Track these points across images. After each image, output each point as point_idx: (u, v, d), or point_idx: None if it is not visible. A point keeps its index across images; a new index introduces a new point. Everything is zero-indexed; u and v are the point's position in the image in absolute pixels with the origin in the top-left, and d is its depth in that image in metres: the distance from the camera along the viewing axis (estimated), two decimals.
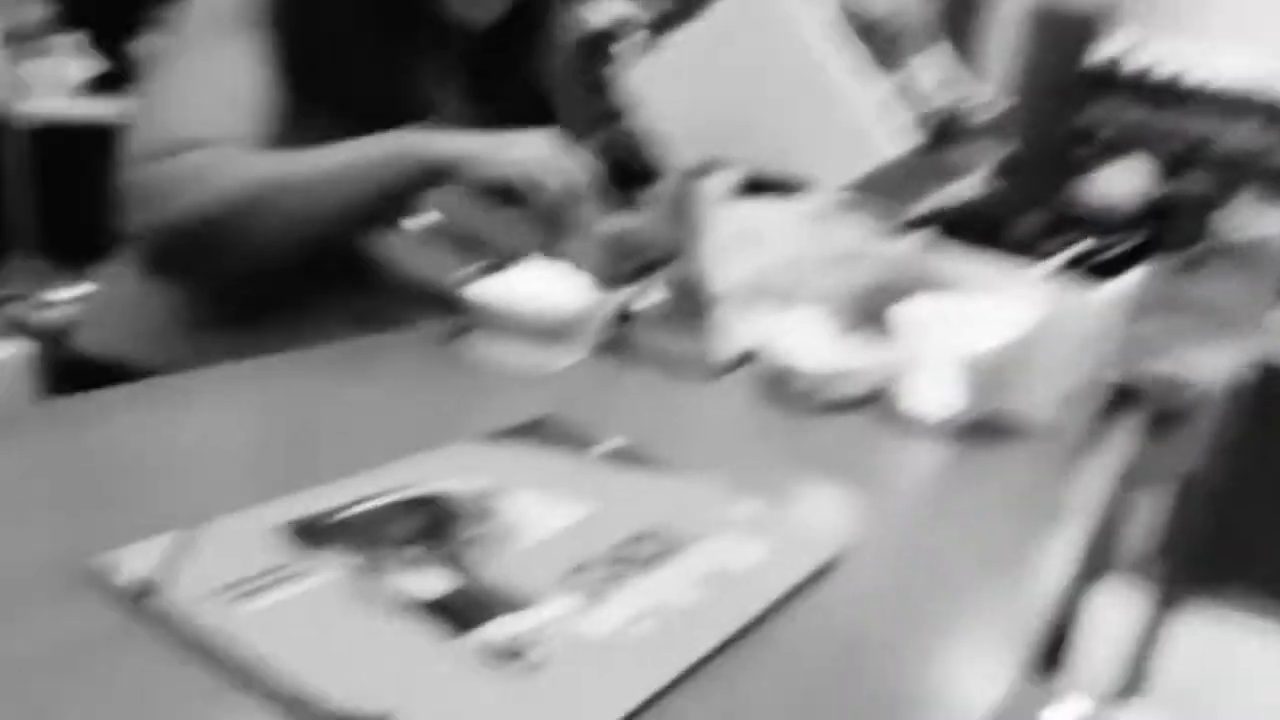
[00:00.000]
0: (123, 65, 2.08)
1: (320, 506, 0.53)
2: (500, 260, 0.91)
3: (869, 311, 1.03)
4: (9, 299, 1.88)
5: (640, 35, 2.49)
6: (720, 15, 1.44)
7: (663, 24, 2.52)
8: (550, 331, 0.86)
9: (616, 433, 0.71)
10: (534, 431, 0.69)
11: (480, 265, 0.90)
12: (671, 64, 1.51)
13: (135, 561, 0.46)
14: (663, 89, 1.50)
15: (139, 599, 0.44)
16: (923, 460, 0.83)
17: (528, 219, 0.93)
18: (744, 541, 0.59)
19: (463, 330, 0.88)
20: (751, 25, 1.39)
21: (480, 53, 1.09)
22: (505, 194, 0.91)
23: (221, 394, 0.70)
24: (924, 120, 1.51)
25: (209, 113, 0.89)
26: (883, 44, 1.49)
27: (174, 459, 0.59)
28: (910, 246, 1.03)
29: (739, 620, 0.51)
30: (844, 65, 1.37)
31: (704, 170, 1.19)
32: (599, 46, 2.60)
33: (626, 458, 0.68)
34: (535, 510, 0.58)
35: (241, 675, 0.40)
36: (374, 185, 0.90)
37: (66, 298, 1.83)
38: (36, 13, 1.92)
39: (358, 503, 0.55)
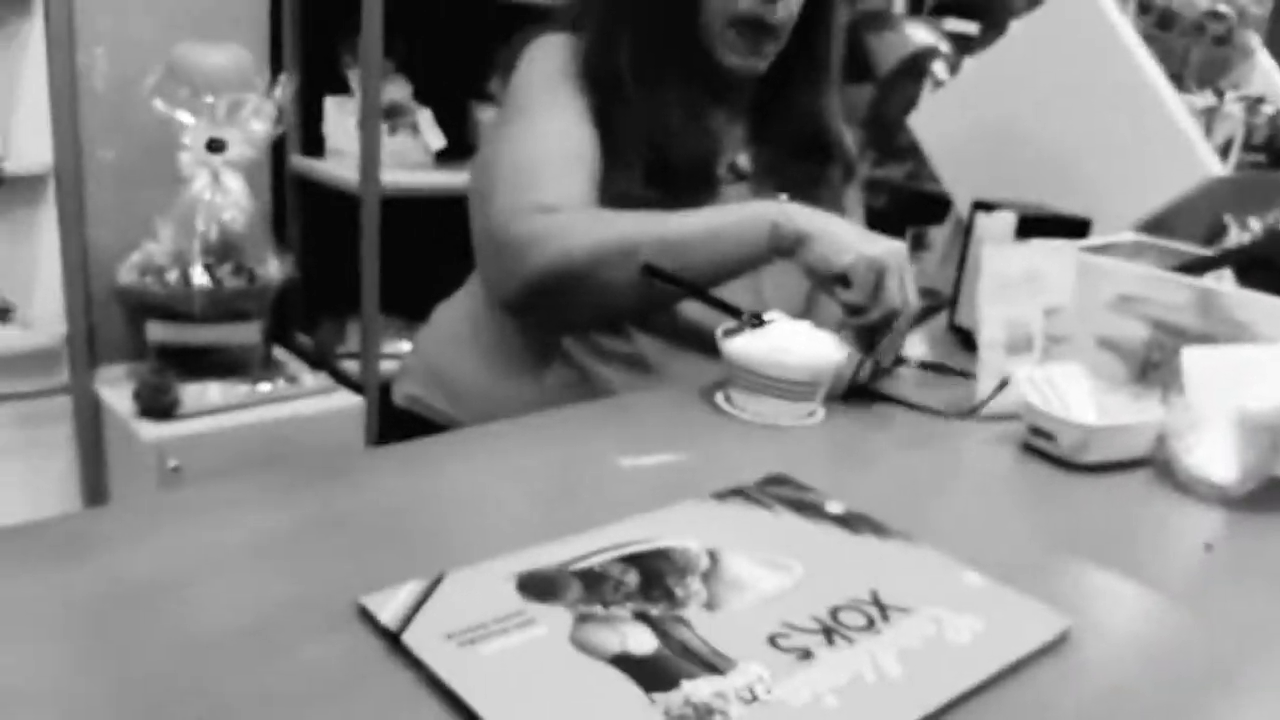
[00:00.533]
0: (461, 138, 2.38)
1: (554, 559, 0.60)
2: (757, 317, 0.94)
3: (1148, 361, 0.95)
4: (349, 355, 2.21)
5: (941, 64, 2.43)
6: (1025, 36, 1.39)
7: (966, 51, 2.44)
8: (800, 387, 0.89)
9: (856, 491, 0.72)
10: (767, 490, 0.72)
11: (738, 321, 0.95)
12: (959, 99, 1.48)
13: (393, 602, 0.55)
14: (948, 126, 1.47)
15: (390, 638, 0.52)
16: (1200, 530, 0.76)
17: (844, 316, 0.96)
18: (962, 614, 0.58)
19: (719, 384, 0.93)
20: (1062, 43, 1.32)
21: (761, 95, 1.15)
22: (836, 279, 0.94)
23: (496, 448, 0.80)
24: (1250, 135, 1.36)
25: (559, 173, 0.99)
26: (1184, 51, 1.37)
27: (445, 507, 0.69)
28: (1199, 290, 0.93)
29: (941, 698, 0.51)
30: (1163, 79, 1.28)
31: (983, 210, 1.16)
32: (899, 78, 2.57)
33: (856, 521, 0.69)
34: (753, 571, 0.61)
35: (467, 715, 0.47)
36: (733, 249, 0.96)
37: (393, 354, 2.12)
38: (402, 91, 2.25)
39: (587, 556, 0.61)
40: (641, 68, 1.03)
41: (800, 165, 1.14)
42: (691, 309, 1.05)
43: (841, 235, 0.93)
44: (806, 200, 1.07)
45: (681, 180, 1.02)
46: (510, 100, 1.08)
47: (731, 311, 0.95)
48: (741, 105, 1.15)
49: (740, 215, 0.96)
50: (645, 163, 1.02)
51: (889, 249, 0.92)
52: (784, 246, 0.94)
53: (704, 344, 1.01)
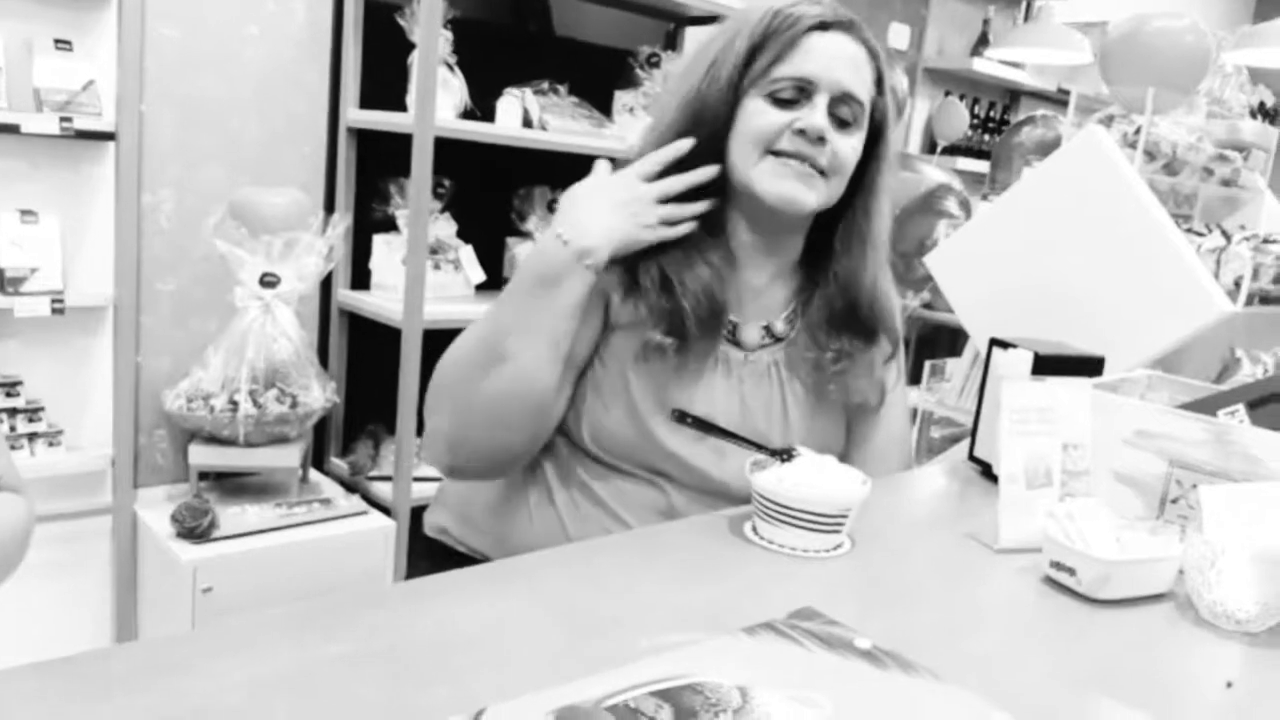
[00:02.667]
0: (498, 271, 2.49)
1: (590, 695, 0.63)
2: (786, 451, 0.98)
3: (1166, 496, 0.97)
4: (382, 478, 2.26)
5: (953, 201, 2.53)
6: (1036, 182, 1.46)
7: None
8: (827, 520, 0.92)
9: (883, 624, 0.74)
10: (795, 625, 0.75)
11: (763, 456, 0.99)
12: (974, 240, 1.54)
13: None
14: (964, 265, 1.53)
15: None
16: (1221, 666, 0.77)
17: None
18: None
19: (747, 516, 0.96)
20: (1072, 189, 1.39)
21: (808, 262, 1.17)
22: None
23: (529, 580, 0.83)
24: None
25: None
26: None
27: (481, 640, 0.71)
28: (1213, 426, 0.97)
29: None
30: (1170, 223, 1.33)
31: (1001, 347, 1.20)
32: (915, 213, 2.67)
33: (884, 658, 0.71)
34: (783, 708, 0.63)
35: None
36: (545, 277, 1.03)
37: (426, 477, 2.17)
38: (446, 229, 2.36)
39: (621, 692, 0.63)
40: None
41: (841, 339, 1.14)
42: (723, 469, 1.07)
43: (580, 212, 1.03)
44: (845, 373, 1.12)
45: (696, 333, 1.04)
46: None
47: (759, 447, 1.00)
48: (784, 269, 1.16)
49: (545, 275, 1.02)
50: (664, 311, 1.04)
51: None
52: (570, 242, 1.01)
53: (732, 499, 1.05)
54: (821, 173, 1.06)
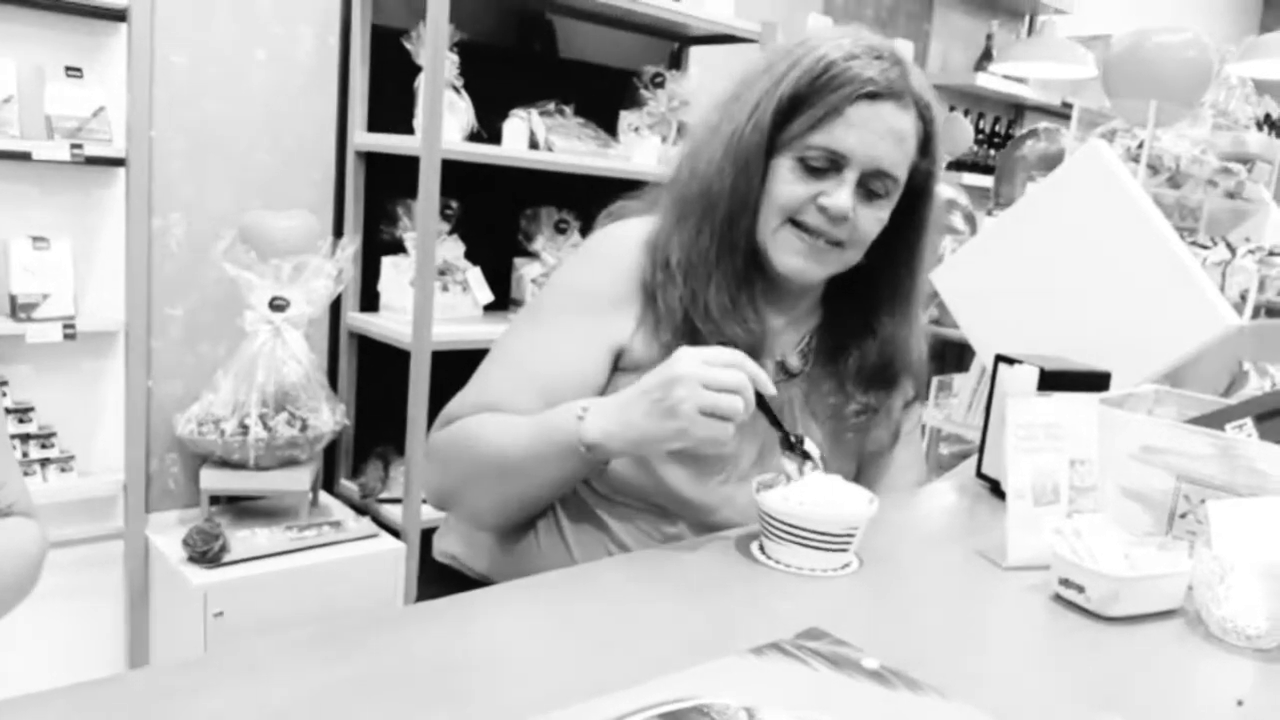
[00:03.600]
0: (505, 292, 2.50)
1: (595, 717, 0.63)
2: (795, 438, 0.99)
3: (1174, 512, 0.97)
4: (391, 500, 2.26)
5: (958, 216, 2.53)
6: (1040, 198, 1.46)
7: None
8: (834, 539, 0.92)
9: (892, 642, 0.74)
10: (801, 645, 0.75)
11: (771, 475, 0.99)
12: (979, 256, 1.54)
13: None
14: (969, 281, 1.53)
15: None
16: (1232, 683, 0.77)
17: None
18: None
19: (754, 536, 0.97)
20: (1076, 204, 1.39)
21: (834, 306, 1.16)
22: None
23: (537, 603, 0.83)
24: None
25: (512, 389, 1.04)
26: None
27: (490, 663, 0.72)
28: (1220, 442, 0.96)
29: None
30: (1175, 237, 1.33)
31: (1006, 363, 1.20)
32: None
33: (891, 678, 0.71)
34: None
35: None
36: (555, 472, 1.00)
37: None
38: (454, 251, 2.37)
39: (629, 715, 0.63)
40: (691, 263, 1.04)
41: (869, 394, 1.13)
42: (734, 508, 1.06)
43: (640, 423, 0.92)
44: (866, 425, 1.12)
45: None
46: (541, 295, 1.14)
47: (779, 427, 0.99)
48: (803, 310, 1.15)
49: (554, 442, 0.96)
50: (683, 344, 1.02)
51: (668, 383, 0.90)
52: (601, 459, 0.97)
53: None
54: (840, 243, 1.04)
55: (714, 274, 1.04)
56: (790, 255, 1.05)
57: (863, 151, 1.00)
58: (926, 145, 1.06)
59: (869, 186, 1.03)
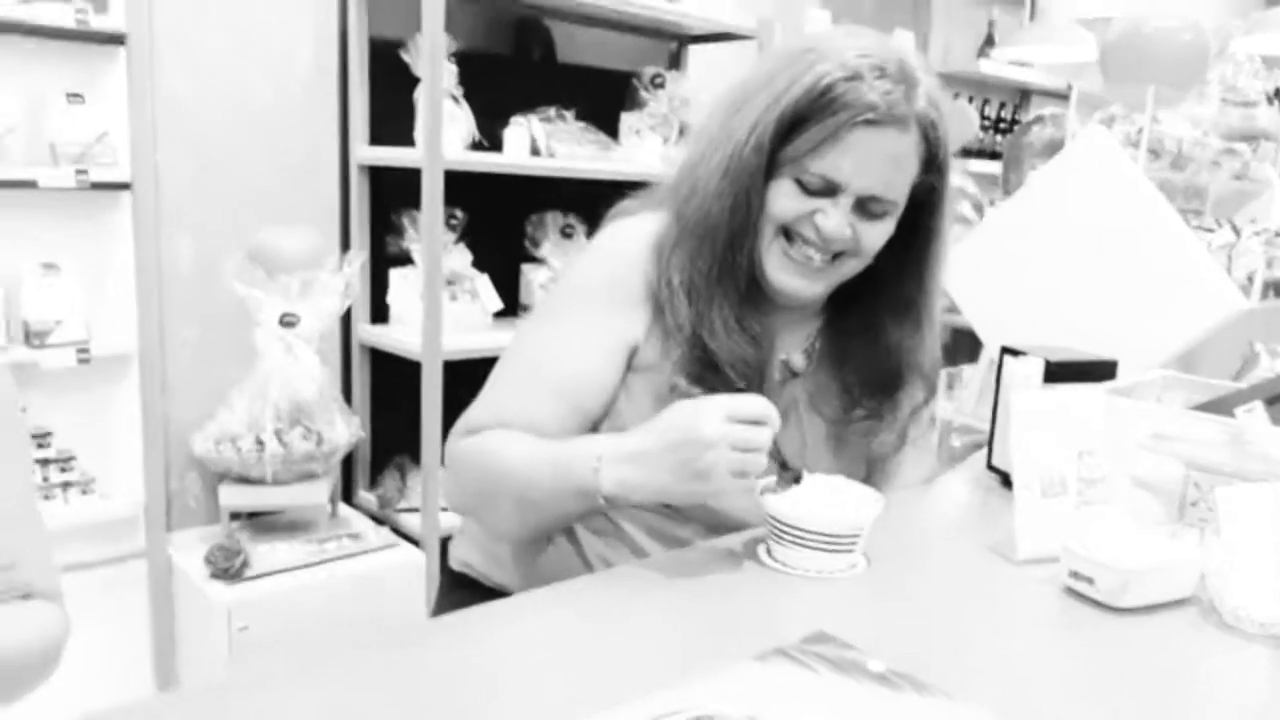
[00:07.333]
0: (514, 298, 2.51)
1: None
2: (795, 474, 0.98)
3: (1185, 501, 0.97)
4: (409, 509, 2.27)
5: (966, 204, 2.52)
6: (1042, 186, 1.46)
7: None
8: (841, 541, 0.92)
9: (899, 643, 0.74)
10: (808, 650, 0.75)
11: (776, 479, 0.99)
12: (983, 246, 1.54)
13: None
14: (974, 271, 1.53)
15: None
16: (1246, 671, 0.76)
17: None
18: None
19: (760, 539, 0.97)
20: (1078, 190, 1.38)
21: (841, 313, 1.14)
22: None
23: (548, 613, 0.84)
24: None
25: (529, 394, 1.04)
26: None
27: (503, 675, 0.72)
28: (1229, 428, 0.96)
29: None
30: (1178, 220, 1.33)
31: (1011, 355, 1.19)
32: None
33: (898, 680, 0.71)
34: None
35: None
36: (573, 507, 0.99)
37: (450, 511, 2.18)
38: (461, 260, 2.38)
39: None
40: (694, 284, 1.04)
41: (875, 400, 1.13)
42: (748, 511, 1.04)
43: (666, 482, 0.90)
44: (871, 430, 1.12)
45: (725, 376, 1.03)
46: (551, 295, 1.13)
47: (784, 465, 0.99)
48: (809, 309, 1.14)
49: (572, 486, 0.95)
50: (694, 357, 1.03)
51: (697, 444, 0.88)
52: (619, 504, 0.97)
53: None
54: (837, 255, 1.04)
55: (716, 294, 1.04)
56: (780, 271, 1.04)
57: (858, 180, 0.99)
58: (931, 162, 1.04)
59: (865, 208, 1.02)
